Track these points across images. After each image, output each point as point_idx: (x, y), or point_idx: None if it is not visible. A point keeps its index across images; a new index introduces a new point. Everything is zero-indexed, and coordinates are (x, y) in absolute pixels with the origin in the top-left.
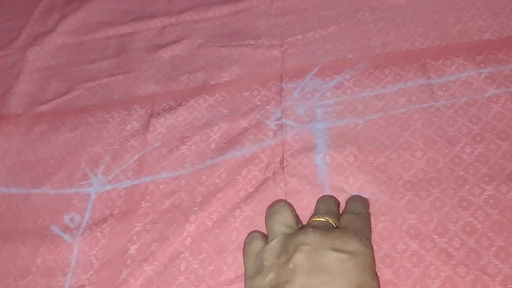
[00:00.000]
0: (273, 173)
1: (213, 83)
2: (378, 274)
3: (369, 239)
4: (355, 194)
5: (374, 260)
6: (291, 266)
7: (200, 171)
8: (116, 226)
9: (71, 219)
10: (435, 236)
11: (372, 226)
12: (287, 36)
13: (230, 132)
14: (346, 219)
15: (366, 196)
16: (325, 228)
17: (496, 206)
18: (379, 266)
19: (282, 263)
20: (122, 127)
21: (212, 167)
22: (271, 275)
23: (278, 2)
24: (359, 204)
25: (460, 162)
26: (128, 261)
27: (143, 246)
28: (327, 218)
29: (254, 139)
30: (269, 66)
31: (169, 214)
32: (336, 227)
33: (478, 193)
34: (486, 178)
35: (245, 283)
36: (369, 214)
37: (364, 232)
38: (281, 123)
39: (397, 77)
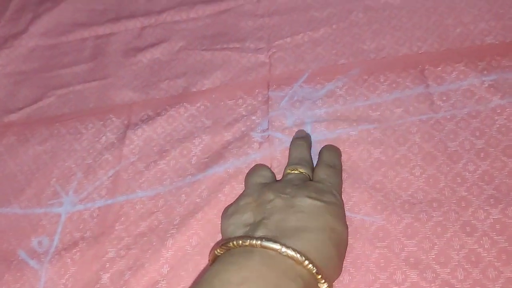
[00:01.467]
0: None
1: (194, 90)
2: None
3: (341, 193)
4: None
5: (345, 216)
6: (268, 207)
7: (180, 189)
8: (87, 251)
9: (39, 243)
10: (437, 266)
11: (368, 252)
12: (274, 38)
13: (213, 146)
14: (322, 173)
15: (359, 217)
16: (300, 182)
17: (503, 232)
18: None
19: (259, 204)
20: (96, 139)
21: (192, 185)
22: (247, 215)
23: (265, 1)
24: (333, 155)
25: (463, 182)
26: None
27: (116, 275)
28: (301, 171)
29: (238, 153)
30: (255, 72)
31: (145, 238)
32: (311, 179)
33: (483, 217)
34: (491, 200)
35: (221, 225)
36: (341, 166)
37: (338, 188)
38: (268, 135)
39: (393, 85)
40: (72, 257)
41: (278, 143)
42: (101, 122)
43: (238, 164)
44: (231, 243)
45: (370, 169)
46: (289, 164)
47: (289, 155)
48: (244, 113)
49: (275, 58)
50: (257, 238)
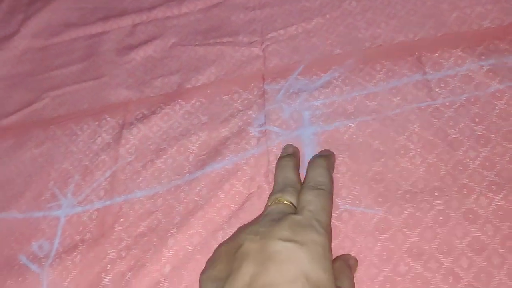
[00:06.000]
0: (258, 188)
1: (189, 86)
2: None
3: (327, 222)
4: (316, 155)
5: (330, 250)
6: (238, 256)
7: (178, 188)
8: (88, 253)
9: (40, 247)
10: (440, 256)
11: (370, 245)
12: (267, 31)
13: (210, 142)
14: (304, 199)
15: (360, 210)
16: (279, 215)
17: (506, 218)
18: None
19: (231, 252)
20: (92, 140)
21: (191, 183)
22: (220, 266)
23: None
24: (321, 172)
25: (464, 169)
26: None
27: (118, 276)
28: (282, 200)
29: (236, 149)
30: (250, 66)
31: (145, 238)
32: (294, 206)
33: (485, 204)
34: (493, 186)
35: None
36: (330, 181)
37: (321, 215)
38: (265, 130)
39: (390, 74)
40: (73, 260)
41: (275, 137)
42: (96, 123)
43: (236, 160)
44: None
45: (369, 160)
46: (272, 192)
47: (274, 179)
48: (240, 107)
49: (269, 51)
50: None
